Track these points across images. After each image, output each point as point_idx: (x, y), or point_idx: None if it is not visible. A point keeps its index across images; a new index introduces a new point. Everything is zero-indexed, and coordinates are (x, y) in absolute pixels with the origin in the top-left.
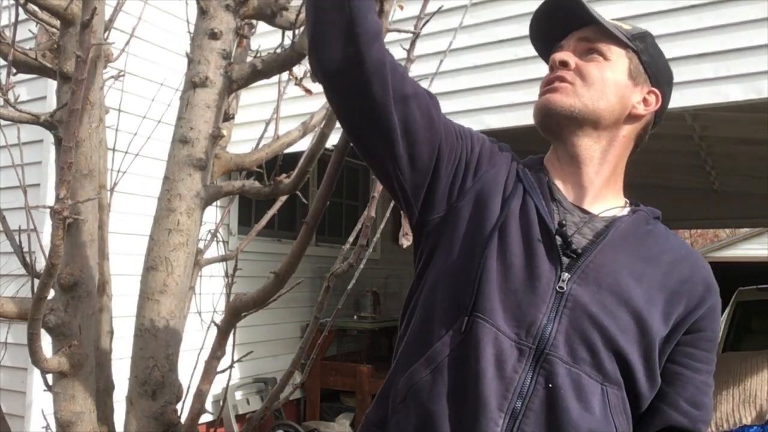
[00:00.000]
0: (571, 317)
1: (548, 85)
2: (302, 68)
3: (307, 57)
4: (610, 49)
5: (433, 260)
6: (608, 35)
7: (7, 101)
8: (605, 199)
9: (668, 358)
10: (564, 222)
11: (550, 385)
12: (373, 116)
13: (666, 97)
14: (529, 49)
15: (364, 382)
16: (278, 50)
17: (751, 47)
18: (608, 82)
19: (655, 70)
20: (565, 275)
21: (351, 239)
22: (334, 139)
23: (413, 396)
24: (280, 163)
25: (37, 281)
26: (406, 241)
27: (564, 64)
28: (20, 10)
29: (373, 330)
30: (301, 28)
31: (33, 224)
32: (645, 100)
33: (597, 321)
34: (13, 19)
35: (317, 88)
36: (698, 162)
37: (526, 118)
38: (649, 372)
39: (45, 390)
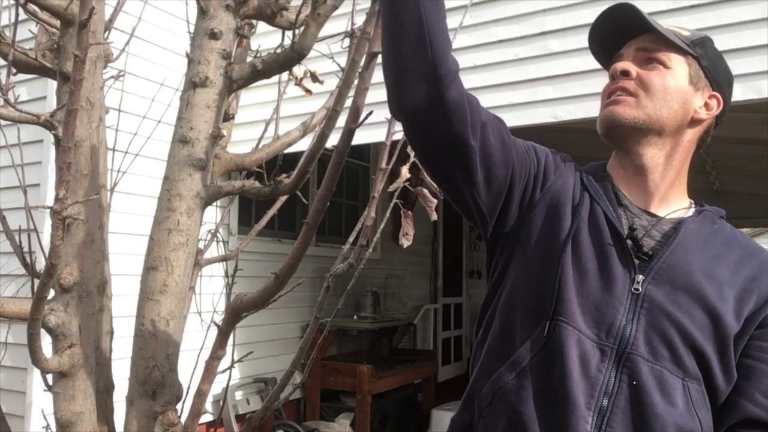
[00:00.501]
0: (648, 317)
1: (610, 96)
2: (302, 68)
3: (306, 56)
4: (670, 56)
5: (508, 270)
6: (667, 43)
7: (7, 101)
8: (671, 201)
9: (742, 353)
10: (634, 226)
11: (634, 383)
12: (452, 149)
13: (727, 100)
14: (529, 49)
15: (364, 382)
16: (278, 50)
17: (751, 47)
18: (670, 90)
19: (715, 74)
20: (639, 277)
21: (351, 239)
22: (334, 139)
23: (500, 399)
24: (280, 163)
25: (37, 281)
26: (406, 241)
27: (625, 74)
28: (20, 10)
29: (373, 330)
30: (301, 28)
31: (33, 224)
32: (707, 105)
33: (673, 319)
34: (13, 19)
35: (317, 88)
36: (698, 162)
37: (525, 118)
38: (724, 366)
39: (45, 390)
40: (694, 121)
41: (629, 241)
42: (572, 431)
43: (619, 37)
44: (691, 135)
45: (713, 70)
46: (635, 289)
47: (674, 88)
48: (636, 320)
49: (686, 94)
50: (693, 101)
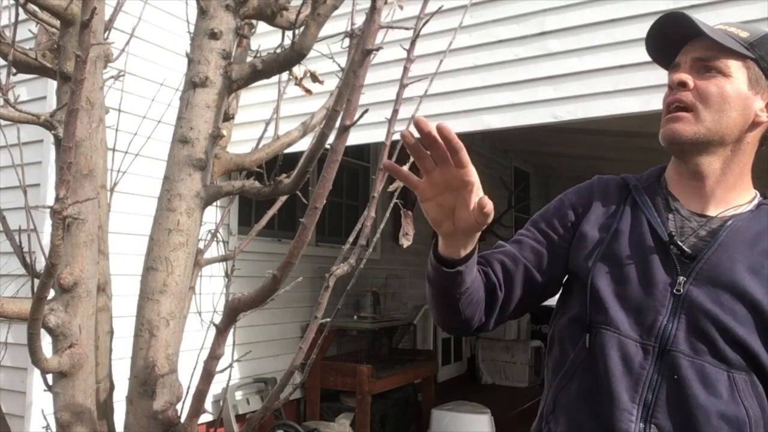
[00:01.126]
0: (688, 315)
1: (669, 108)
2: (302, 68)
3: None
4: (728, 63)
5: (559, 299)
6: (723, 49)
7: (7, 101)
8: (729, 201)
9: None
10: (673, 232)
11: (676, 377)
12: (509, 316)
13: None
14: (529, 49)
15: (364, 382)
16: (278, 50)
17: None
18: (728, 99)
19: None
20: (681, 279)
21: (351, 239)
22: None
23: (558, 403)
24: (280, 163)
25: (37, 281)
26: (406, 241)
27: (683, 85)
28: (20, 10)
29: (373, 330)
30: (301, 28)
31: (33, 224)
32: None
33: (712, 316)
34: (13, 19)
35: (317, 88)
36: None
37: (525, 118)
38: None
39: (45, 390)
40: (755, 124)
41: (672, 246)
42: (617, 423)
43: (675, 43)
44: (752, 138)
45: None
46: (677, 290)
47: (733, 97)
48: (677, 319)
49: (746, 100)
50: (753, 105)
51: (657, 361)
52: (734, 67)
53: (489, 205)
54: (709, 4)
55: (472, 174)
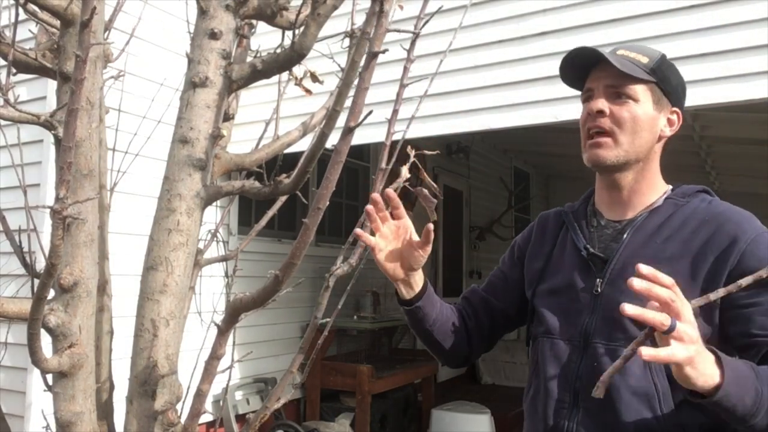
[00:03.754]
0: (604, 310)
1: (589, 132)
2: (302, 68)
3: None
4: (635, 89)
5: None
6: (630, 77)
7: (7, 101)
8: (643, 203)
9: (722, 309)
10: (587, 244)
11: (595, 364)
12: (488, 343)
13: (683, 107)
14: (529, 49)
15: (364, 382)
16: (278, 50)
17: (751, 47)
18: (639, 121)
19: (673, 91)
20: (598, 281)
21: (351, 239)
22: (334, 138)
23: (524, 410)
24: (280, 163)
25: (37, 281)
26: None
27: (600, 113)
28: (20, 10)
29: (373, 330)
30: (301, 28)
31: (33, 224)
32: (669, 121)
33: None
34: (13, 19)
35: (317, 88)
36: (698, 162)
37: (525, 118)
38: None
39: (45, 390)
40: (660, 138)
41: (588, 255)
42: (549, 411)
43: (584, 69)
44: (657, 148)
45: (671, 88)
46: (595, 291)
47: (643, 119)
48: (595, 315)
49: (653, 119)
50: (658, 123)
51: (582, 353)
52: (641, 91)
53: (431, 229)
54: (709, 4)
55: (407, 220)
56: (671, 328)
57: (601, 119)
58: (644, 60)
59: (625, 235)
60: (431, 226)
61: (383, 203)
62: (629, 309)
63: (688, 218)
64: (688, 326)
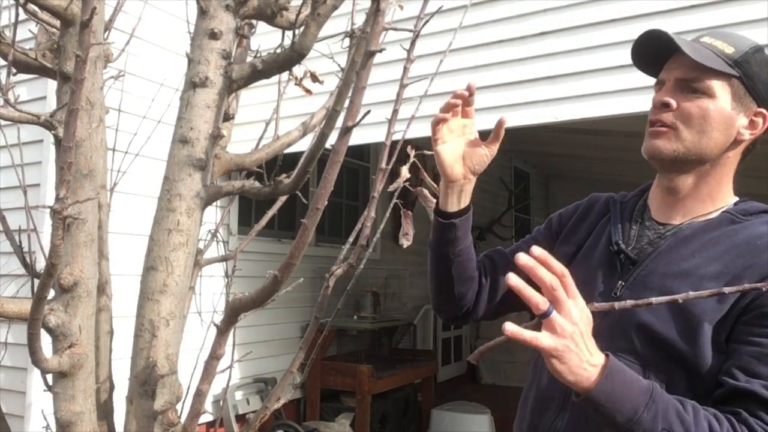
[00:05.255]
0: (616, 316)
1: (652, 126)
2: (302, 68)
3: (306, 56)
4: (711, 84)
5: None
6: (707, 69)
7: (7, 101)
8: (696, 211)
9: (730, 338)
10: (620, 241)
11: None
12: (495, 308)
13: None
14: (530, 49)
15: (364, 382)
16: (278, 50)
17: None
18: (710, 119)
19: (761, 89)
20: (620, 283)
21: (351, 239)
22: (334, 139)
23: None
24: (280, 163)
25: (37, 281)
26: (406, 241)
27: (666, 105)
28: (20, 10)
29: (373, 330)
30: (301, 28)
31: (33, 224)
32: (752, 123)
33: (634, 315)
34: (13, 19)
35: (317, 88)
36: None
37: (525, 118)
38: (697, 351)
39: (45, 390)
40: (737, 142)
41: (619, 253)
42: (538, 409)
43: (658, 58)
44: (733, 154)
45: (759, 85)
46: (614, 294)
47: (715, 117)
48: (607, 320)
49: (728, 119)
50: (736, 123)
51: None
52: (718, 86)
53: (504, 121)
54: (709, 4)
55: (473, 122)
56: (546, 314)
57: (665, 113)
58: (729, 50)
59: (663, 241)
60: (504, 118)
61: (469, 98)
62: (512, 279)
63: (740, 240)
64: (566, 321)
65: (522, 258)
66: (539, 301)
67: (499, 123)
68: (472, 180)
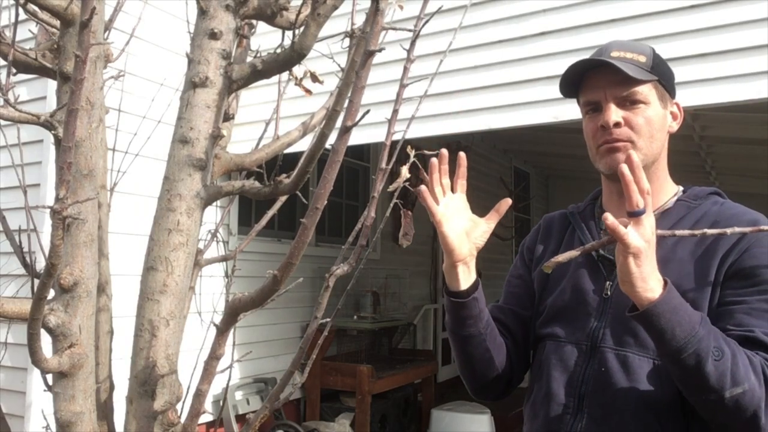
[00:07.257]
0: (614, 314)
1: (607, 144)
2: (302, 68)
3: (306, 56)
4: (644, 92)
5: None
6: (635, 80)
7: (7, 101)
8: (653, 205)
9: (720, 303)
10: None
11: (603, 369)
12: (526, 360)
13: (675, 96)
14: (529, 49)
15: (364, 382)
16: (278, 50)
17: (751, 47)
18: (654, 124)
19: (669, 83)
20: (608, 283)
21: (351, 239)
22: (334, 139)
23: (524, 414)
24: (280, 163)
25: (37, 281)
26: (406, 242)
27: (617, 125)
28: (20, 10)
29: (373, 330)
30: (301, 28)
31: (33, 224)
32: (672, 114)
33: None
34: (13, 19)
35: (317, 88)
36: (698, 162)
37: (525, 118)
38: None
39: (45, 390)
40: (669, 134)
41: (597, 257)
42: (554, 416)
43: (579, 73)
44: (665, 145)
45: (670, 81)
46: (605, 294)
47: (656, 120)
48: (605, 318)
49: (663, 118)
50: (667, 119)
51: (589, 358)
52: (649, 93)
53: (509, 202)
54: (709, 4)
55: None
56: (640, 211)
57: (618, 130)
58: (642, 59)
59: None
60: (509, 200)
61: (446, 160)
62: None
63: (699, 221)
64: (649, 227)
65: (624, 168)
66: (638, 200)
67: (503, 203)
68: (474, 255)
